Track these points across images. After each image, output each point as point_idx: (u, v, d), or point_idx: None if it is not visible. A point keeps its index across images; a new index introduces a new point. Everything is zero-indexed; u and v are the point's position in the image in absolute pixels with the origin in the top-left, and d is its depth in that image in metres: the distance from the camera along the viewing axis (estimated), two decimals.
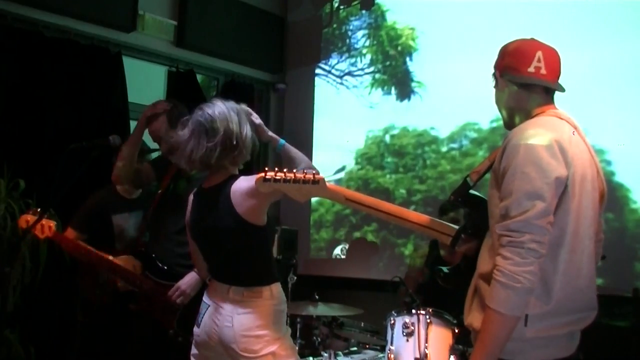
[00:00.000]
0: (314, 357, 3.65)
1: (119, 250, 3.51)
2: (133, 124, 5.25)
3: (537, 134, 1.77)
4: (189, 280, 3.03)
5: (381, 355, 3.67)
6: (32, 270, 3.98)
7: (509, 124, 1.98)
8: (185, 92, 5.32)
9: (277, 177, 1.96)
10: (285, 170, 1.98)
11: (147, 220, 3.54)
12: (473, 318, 1.81)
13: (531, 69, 1.91)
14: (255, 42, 5.89)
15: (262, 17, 5.99)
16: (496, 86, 1.98)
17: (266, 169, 1.99)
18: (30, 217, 3.28)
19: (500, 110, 2.00)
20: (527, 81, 1.92)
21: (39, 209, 3.28)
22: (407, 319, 3.26)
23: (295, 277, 3.91)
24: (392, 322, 3.35)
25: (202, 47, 5.54)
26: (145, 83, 5.59)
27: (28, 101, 4.41)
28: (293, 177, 1.95)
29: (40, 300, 4.12)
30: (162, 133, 3.19)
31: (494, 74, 1.99)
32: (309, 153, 5.90)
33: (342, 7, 5.92)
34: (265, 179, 1.98)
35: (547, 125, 1.83)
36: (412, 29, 5.56)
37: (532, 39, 1.98)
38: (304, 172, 1.97)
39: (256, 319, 2.36)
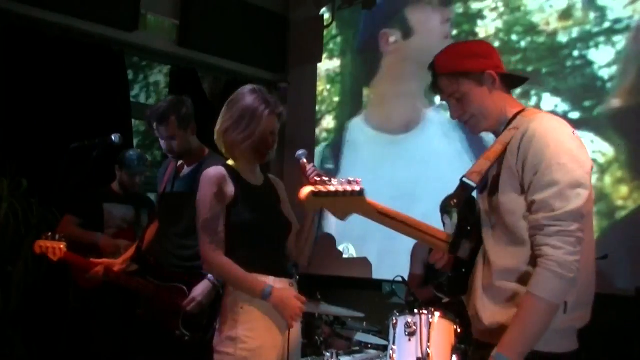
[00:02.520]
0: (316, 356, 3.65)
1: (108, 234, 3.91)
2: (135, 123, 5.28)
3: (556, 126, 1.79)
4: (203, 289, 3.03)
5: (383, 355, 3.67)
6: (35, 270, 3.98)
7: (481, 128, 1.95)
8: (187, 92, 5.31)
9: (329, 190, 1.72)
10: (325, 179, 1.76)
11: (139, 216, 3.97)
12: (495, 313, 1.79)
13: (504, 66, 1.97)
14: (257, 41, 5.89)
15: (264, 17, 5.99)
16: (480, 86, 1.90)
17: (315, 179, 1.77)
18: (43, 242, 3.36)
19: (479, 112, 1.92)
20: (511, 76, 1.96)
21: (49, 233, 3.40)
22: (409, 319, 3.26)
23: (298, 277, 3.91)
24: (395, 321, 3.35)
25: (205, 47, 5.54)
26: (148, 82, 5.60)
27: (30, 100, 4.42)
28: (342, 189, 1.72)
29: (42, 299, 4.13)
30: (172, 133, 3.14)
31: (474, 76, 1.90)
32: (311, 152, 5.90)
33: (344, 6, 5.90)
34: (315, 194, 1.72)
35: (554, 119, 1.85)
36: None
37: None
38: (344, 181, 1.75)
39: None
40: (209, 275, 3.02)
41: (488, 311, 1.81)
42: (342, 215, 1.80)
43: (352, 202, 1.76)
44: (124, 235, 3.89)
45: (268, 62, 6.12)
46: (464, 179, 1.88)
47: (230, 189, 2.46)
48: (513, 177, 1.79)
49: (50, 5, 4.51)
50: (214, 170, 2.47)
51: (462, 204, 1.88)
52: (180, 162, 3.25)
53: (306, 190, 1.74)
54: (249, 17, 5.80)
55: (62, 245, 3.36)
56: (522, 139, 1.78)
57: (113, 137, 3.34)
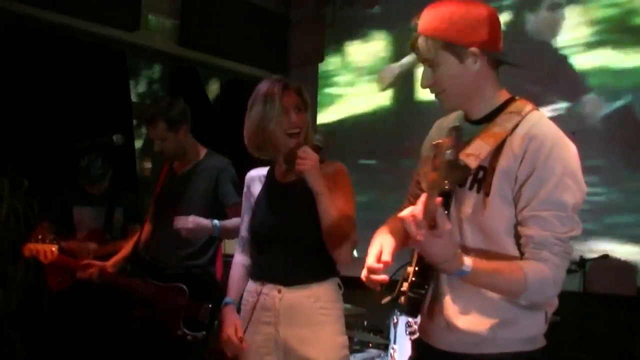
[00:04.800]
0: None
1: (79, 239, 3.81)
2: (136, 123, 5.28)
3: (563, 138, 1.62)
4: (201, 220, 2.94)
5: (384, 354, 3.67)
6: (36, 270, 3.98)
7: (451, 104, 1.73)
8: (187, 91, 5.33)
9: None
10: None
11: (112, 216, 3.91)
12: (472, 322, 1.66)
13: (502, 44, 1.68)
14: (258, 41, 5.89)
15: (265, 16, 5.99)
16: (461, 62, 1.64)
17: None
18: (33, 246, 3.30)
19: (452, 89, 1.67)
20: (505, 59, 1.71)
21: (40, 236, 3.33)
22: (410, 318, 3.26)
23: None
24: (395, 321, 3.35)
25: (205, 46, 5.54)
26: (148, 82, 5.60)
27: (31, 100, 4.42)
28: None
29: (43, 300, 4.13)
30: (161, 135, 3.14)
31: (457, 49, 1.62)
32: None
33: (345, 6, 5.91)
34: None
35: (556, 127, 1.66)
36: None
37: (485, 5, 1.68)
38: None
39: None
40: (214, 221, 2.97)
41: (461, 318, 1.67)
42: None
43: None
44: (93, 238, 3.82)
45: (269, 61, 6.11)
46: (462, 160, 1.61)
47: (256, 190, 2.47)
48: (509, 182, 1.61)
49: (52, 5, 4.51)
50: (251, 171, 2.53)
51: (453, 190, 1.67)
52: (176, 163, 3.24)
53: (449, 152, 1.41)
54: (250, 17, 5.81)
55: (54, 248, 3.29)
56: (528, 143, 1.59)
57: (114, 138, 3.33)
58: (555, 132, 1.63)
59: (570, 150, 1.62)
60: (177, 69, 5.60)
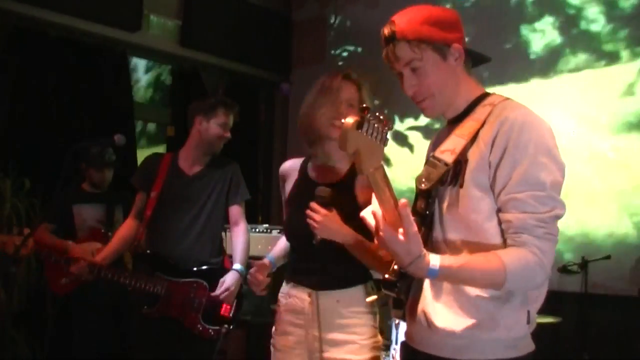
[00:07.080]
0: None
1: (81, 238, 3.81)
2: (137, 124, 5.29)
3: (536, 119, 1.60)
4: (233, 278, 3.04)
5: (386, 355, 3.66)
6: (38, 270, 3.99)
7: (438, 109, 1.73)
8: (189, 92, 5.33)
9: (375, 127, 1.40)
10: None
11: (112, 214, 3.93)
12: (455, 322, 1.62)
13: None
14: (260, 41, 5.88)
15: (267, 16, 5.99)
16: (444, 61, 1.66)
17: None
18: (2, 237, 3.25)
19: (439, 91, 1.68)
20: (474, 54, 1.74)
21: (6, 229, 3.34)
22: (397, 320, 3.25)
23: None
24: (397, 322, 3.34)
25: (207, 47, 5.54)
26: (150, 82, 5.60)
27: (33, 101, 4.43)
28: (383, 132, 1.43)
29: (45, 300, 4.14)
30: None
31: (439, 48, 1.65)
32: None
33: (347, 6, 5.90)
34: (360, 124, 1.38)
35: (529, 109, 1.65)
36: None
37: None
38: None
39: None
40: (234, 266, 3.07)
41: (441, 317, 1.64)
42: (369, 166, 1.43)
43: (379, 152, 1.42)
44: (95, 237, 3.82)
45: (271, 62, 6.11)
46: (437, 156, 1.64)
47: (290, 183, 2.42)
48: (483, 170, 1.59)
49: (53, 6, 4.51)
50: (285, 163, 2.49)
51: (433, 187, 1.66)
52: (182, 161, 3.23)
53: (351, 119, 1.37)
54: (252, 17, 5.80)
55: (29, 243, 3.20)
56: (499, 129, 1.58)
57: (116, 138, 3.33)
58: (525, 113, 1.61)
59: (543, 128, 1.59)
60: (178, 70, 5.60)
